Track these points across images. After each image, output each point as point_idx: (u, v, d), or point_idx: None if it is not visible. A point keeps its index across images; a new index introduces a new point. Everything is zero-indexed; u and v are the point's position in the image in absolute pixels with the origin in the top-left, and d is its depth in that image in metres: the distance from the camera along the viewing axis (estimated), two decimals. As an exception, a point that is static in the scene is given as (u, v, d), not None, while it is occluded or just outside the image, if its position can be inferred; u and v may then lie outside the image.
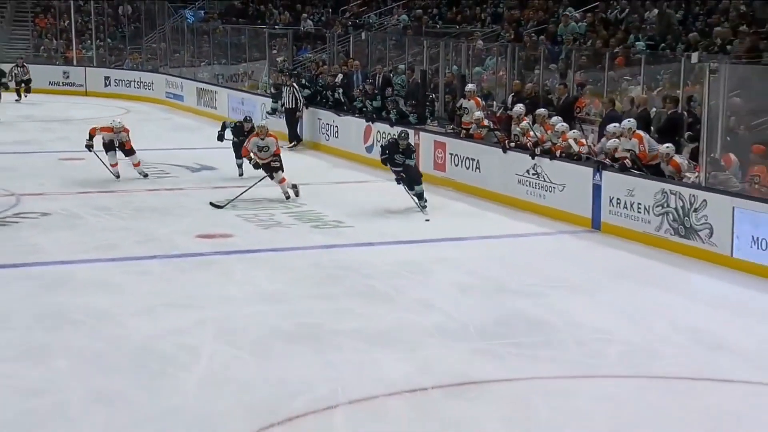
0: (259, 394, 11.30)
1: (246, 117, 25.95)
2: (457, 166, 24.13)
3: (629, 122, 19.29)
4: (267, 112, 32.15)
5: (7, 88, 37.73)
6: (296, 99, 30.82)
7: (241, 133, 24.66)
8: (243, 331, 13.52)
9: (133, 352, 12.68)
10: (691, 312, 14.77)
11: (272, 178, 22.63)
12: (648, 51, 25.04)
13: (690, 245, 17.61)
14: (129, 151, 24.66)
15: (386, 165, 19.71)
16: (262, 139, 22.60)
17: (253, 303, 15.11)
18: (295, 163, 22.84)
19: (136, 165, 25.00)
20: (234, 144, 24.81)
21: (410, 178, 19.05)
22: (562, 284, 16.10)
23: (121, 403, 10.96)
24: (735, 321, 14.40)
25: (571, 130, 21.60)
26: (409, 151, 19.78)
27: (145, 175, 24.76)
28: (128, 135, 24.62)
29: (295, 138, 30.69)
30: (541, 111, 22.76)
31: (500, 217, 21.31)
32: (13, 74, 39.25)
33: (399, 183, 20.22)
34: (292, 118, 30.78)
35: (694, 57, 22.05)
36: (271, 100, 33.12)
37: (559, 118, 22.36)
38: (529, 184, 21.59)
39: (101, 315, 14.30)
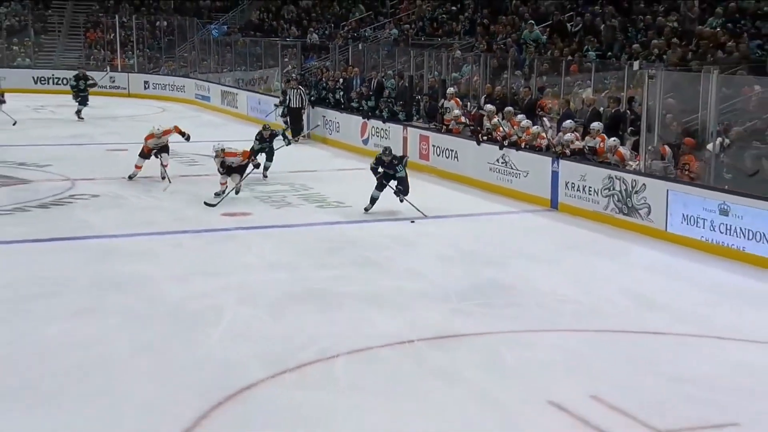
0: (273, 347, 11.43)
1: (264, 126, 24.18)
2: (438, 156, 24.11)
3: (597, 124, 19.42)
4: (279, 115, 32.15)
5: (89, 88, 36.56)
6: (302, 99, 30.75)
7: (262, 140, 22.98)
8: (260, 294, 13.67)
9: (169, 311, 12.86)
10: (631, 277, 14.96)
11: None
12: (597, 60, 25.09)
13: (631, 222, 17.76)
14: (165, 148, 22.58)
15: (378, 177, 18.67)
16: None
17: (268, 271, 15.26)
18: (302, 153, 22.84)
19: (165, 165, 22.60)
20: (254, 151, 22.24)
21: (404, 188, 18.47)
22: (525, 255, 16.21)
23: (160, 352, 11.16)
24: (668, 285, 14.56)
25: (534, 126, 21.72)
26: (393, 165, 18.58)
27: (164, 178, 22.55)
28: (168, 138, 22.56)
29: (299, 132, 30.39)
30: (509, 109, 22.78)
31: (474, 198, 21.36)
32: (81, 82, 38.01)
33: (396, 194, 18.77)
34: (298, 116, 30.68)
35: (636, 65, 22.16)
36: (278, 100, 33.12)
37: (524, 115, 22.48)
38: (499, 171, 21.56)
39: (143, 280, 14.49)
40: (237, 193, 20.11)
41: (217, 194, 19.34)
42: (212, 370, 10.63)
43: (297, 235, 18.08)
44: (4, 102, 32.10)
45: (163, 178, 21.81)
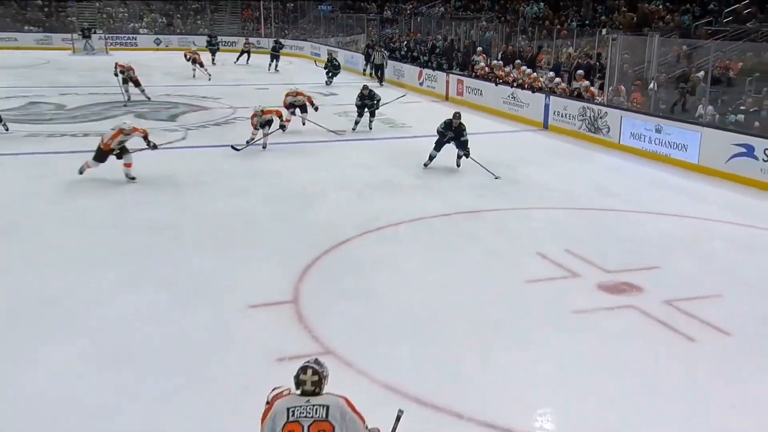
0: (361, 216, 11.92)
1: (364, 86, 19.65)
2: (469, 93, 24.07)
3: (581, 72, 19.67)
4: (366, 70, 32.34)
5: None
6: (383, 57, 30.27)
7: (363, 98, 19.10)
8: (350, 184, 14.04)
9: (294, 194, 13.30)
10: (596, 174, 15.19)
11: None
12: (577, 28, 24.91)
13: (597, 137, 17.88)
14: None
15: (439, 138, 14.84)
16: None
17: (356, 168, 15.46)
18: (383, 92, 22.62)
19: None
20: (358, 106, 19.19)
21: (467, 151, 14.74)
22: (526, 159, 16.33)
23: (289, 219, 11.71)
24: (619, 178, 14.89)
25: (534, 73, 21.78)
26: (461, 129, 14.67)
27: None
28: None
29: (382, 80, 29.74)
30: (517, 62, 22.81)
31: (493, 122, 21.23)
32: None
33: (459, 157, 15.13)
34: (382, 68, 30.10)
35: (604, 31, 22.10)
36: (363, 57, 33.30)
37: (527, 66, 22.53)
38: (509, 103, 21.63)
39: (277, 173, 14.81)
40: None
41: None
42: (322, 230, 11.16)
43: (375, 146, 17.98)
44: (201, 63, 31.35)
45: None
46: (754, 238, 11.05)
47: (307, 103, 18.87)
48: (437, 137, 14.79)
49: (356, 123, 19.48)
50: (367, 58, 32.56)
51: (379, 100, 19.41)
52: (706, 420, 6.28)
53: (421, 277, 9.51)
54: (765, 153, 13.38)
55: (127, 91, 22.99)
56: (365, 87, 19.49)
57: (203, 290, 8.98)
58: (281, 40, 38.03)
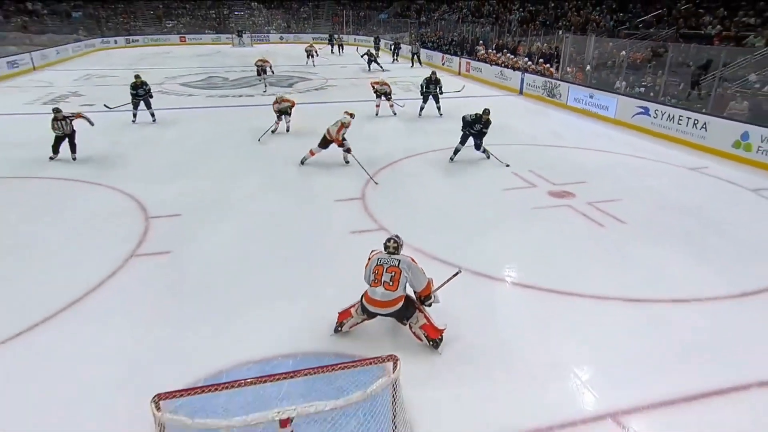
0: (406, 147, 11.86)
1: (433, 71, 15.63)
2: (473, 71, 23.72)
3: (544, 59, 19.03)
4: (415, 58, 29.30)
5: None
6: (418, 47, 29.06)
7: (429, 83, 15.07)
8: (382, 131, 13.84)
9: (366, 134, 12.98)
10: (551, 124, 14.99)
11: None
12: (544, 28, 24.35)
13: (553, 100, 17.66)
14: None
15: (464, 133, 10.94)
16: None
17: (386, 121, 15.00)
18: (418, 71, 21.92)
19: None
20: (423, 93, 15.19)
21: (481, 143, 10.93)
22: (508, 113, 15.93)
23: (363, 149, 11.18)
24: (565, 127, 14.63)
25: (515, 58, 21.48)
26: (488, 124, 10.78)
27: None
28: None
29: (420, 62, 28.36)
30: (505, 51, 22.50)
31: (488, 90, 20.80)
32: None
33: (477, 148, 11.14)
34: (419, 54, 28.63)
35: (560, 32, 21.61)
36: (392, 48, 31.54)
37: (511, 53, 22.12)
38: (499, 77, 21.28)
39: (354, 123, 14.44)
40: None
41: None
42: (381, 156, 11.30)
43: (412, 102, 16.62)
44: (315, 53, 28.92)
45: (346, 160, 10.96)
46: (645, 165, 11.11)
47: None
48: (463, 132, 10.93)
49: (421, 109, 15.23)
50: (396, 48, 31.08)
51: (441, 87, 15.16)
52: (607, 271, 6.75)
53: (438, 186, 9.70)
54: (655, 112, 13.43)
55: (264, 80, 20.80)
56: (434, 72, 15.37)
57: (310, 192, 9.40)
58: (379, 37, 35.21)
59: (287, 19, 48.43)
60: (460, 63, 25.45)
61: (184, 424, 3.10)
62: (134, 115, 14.33)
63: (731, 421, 4.43)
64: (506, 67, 21.27)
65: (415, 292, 5.27)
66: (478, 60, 23.96)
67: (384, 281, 5.07)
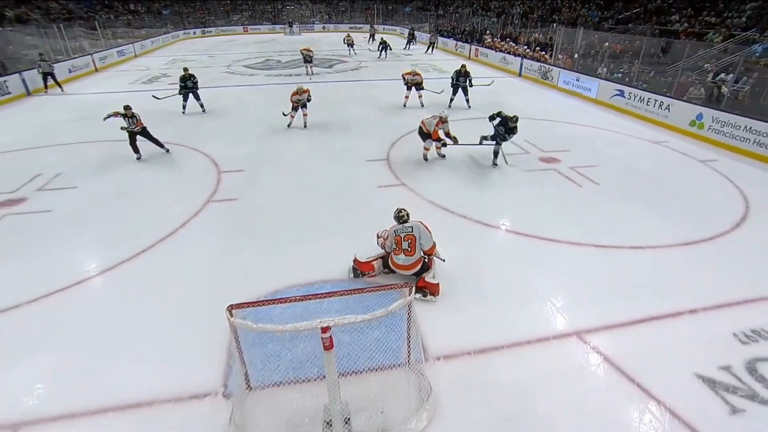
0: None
1: (463, 64, 12.90)
2: (481, 56, 22.83)
3: (540, 46, 18.30)
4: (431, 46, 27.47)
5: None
6: (436, 37, 27.55)
7: (459, 76, 12.52)
8: (417, 103, 13.49)
9: (390, 105, 12.63)
10: (544, 102, 14.37)
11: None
12: (541, 21, 23.35)
13: (547, 82, 16.94)
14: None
15: (495, 134, 8.64)
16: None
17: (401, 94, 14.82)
18: (436, 55, 21.18)
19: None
20: (453, 86, 12.75)
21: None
22: (508, 92, 15.35)
23: (386, 119, 11.23)
24: (556, 105, 14.08)
25: (516, 46, 20.74)
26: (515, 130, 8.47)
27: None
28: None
29: (433, 49, 26.74)
30: (507, 39, 21.60)
31: (492, 72, 19.84)
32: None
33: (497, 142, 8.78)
34: (435, 44, 27.00)
35: (555, 25, 20.69)
36: (408, 35, 28.89)
37: (513, 42, 21.29)
38: (502, 62, 20.39)
39: (378, 97, 13.67)
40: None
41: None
42: (402, 124, 10.98)
43: (429, 80, 15.74)
44: (352, 43, 25.60)
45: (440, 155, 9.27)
46: (618, 138, 10.73)
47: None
48: (495, 135, 8.61)
49: (451, 101, 12.82)
50: (411, 36, 28.38)
51: (471, 80, 12.67)
52: (581, 222, 6.73)
53: (450, 151, 9.41)
54: (629, 94, 13.01)
55: (309, 67, 18.48)
56: (463, 65, 12.67)
57: (343, 153, 9.38)
58: (414, 27, 31.88)
59: (328, 12, 47.66)
60: (470, 49, 24.70)
61: (249, 328, 3.36)
62: (183, 107, 12.36)
63: (668, 339, 4.61)
64: (508, 53, 20.49)
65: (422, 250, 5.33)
66: (485, 47, 23.14)
67: (404, 249, 5.15)
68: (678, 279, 5.43)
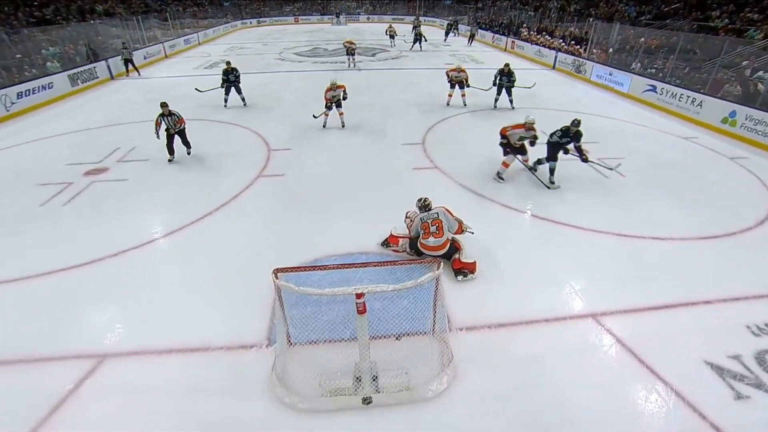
0: (456, 105, 11.34)
1: (506, 63, 11.29)
2: (517, 48, 22.15)
3: (575, 40, 17.58)
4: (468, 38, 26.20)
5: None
6: (476, 29, 26.47)
7: (502, 74, 11.17)
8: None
9: (427, 92, 12.46)
10: (576, 94, 13.90)
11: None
12: (577, 15, 22.37)
13: (579, 75, 16.38)
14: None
15: (555, 148, 7.13)
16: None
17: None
18: (475, 47, 20.51)
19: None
20: (497, 84, 11.35)
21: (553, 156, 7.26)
22: (541, 83, 14.40)
23: (422, 105, 11.14)
24: (587, 97, 13.59)
25: (551, 39, 20.02)
26: (578, 136, 6.94)
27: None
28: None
29: (471, 41, 25.59)
30: (543, 33, 20.86)
31: (528, 64, 19.36)
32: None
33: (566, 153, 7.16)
34: (475, 33, 26.10)
35: (591, 20, 19.75)
36: (446, 28, 27.62)
37: (549, 36, 20.56)
38: (537, 54, 19.82)
39: (418, 84, 13.58)
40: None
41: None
42: (440, 110, 10.85)
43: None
44: (394, 34, 24.28)
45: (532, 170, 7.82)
46: (647, 132, 10.32)
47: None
48: (551, 148, 7.16)
49: (495, 101, 11.45)
50: (449, 29, 27.28)
51: (514, 80, 11.25)
52: (605, 212, 6.58)
53: (482, 135, 9.32)
54: (661, 90, 12.42)
55: (352, 60, 17.64)
56: (507, 64, 11.22)
57: (381, 136, 9.41)
58: (456, 19, 30.74)
59: (373, 3, 47.06)
60: (506, 42, 24.01)
61: (292, 290, 3.53)
62: (225, 101, 11.36)
63: (681, 326, 4.52)
64: (543, 46, 19.84)
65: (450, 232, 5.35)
66: (521, 40, 22.47)
67: (432, 232, 5.16)
68: (696, 270, 5.30)
